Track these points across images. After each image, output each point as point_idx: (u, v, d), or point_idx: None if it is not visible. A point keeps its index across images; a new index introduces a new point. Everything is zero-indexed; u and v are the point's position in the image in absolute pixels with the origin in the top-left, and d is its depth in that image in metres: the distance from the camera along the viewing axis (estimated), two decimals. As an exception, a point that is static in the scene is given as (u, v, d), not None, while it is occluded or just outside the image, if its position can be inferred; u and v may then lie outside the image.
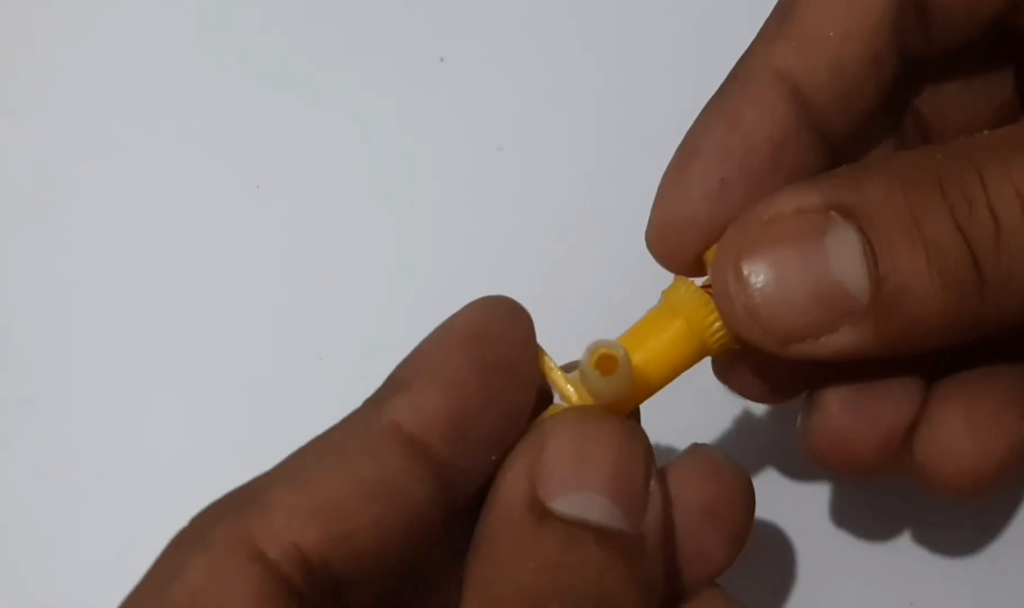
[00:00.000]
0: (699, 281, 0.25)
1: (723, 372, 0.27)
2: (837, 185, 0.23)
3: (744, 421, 0.32)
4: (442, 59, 0.36)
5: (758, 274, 0.23)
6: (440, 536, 0.22)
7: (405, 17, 0.36)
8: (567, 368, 0.24)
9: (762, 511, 0.31)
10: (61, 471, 0.33)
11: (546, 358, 0.24)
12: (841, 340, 0.23)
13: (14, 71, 0.36)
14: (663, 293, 0.25)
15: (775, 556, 0.31)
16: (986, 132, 0.23)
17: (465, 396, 0.22)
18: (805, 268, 0.23)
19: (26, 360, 0.34)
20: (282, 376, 0.33)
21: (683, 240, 0.25)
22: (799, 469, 0.32)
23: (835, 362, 0.23)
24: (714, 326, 0.24)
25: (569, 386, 0.23)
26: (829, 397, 0.25)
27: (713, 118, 0.25)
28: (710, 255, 0.24)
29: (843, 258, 0.22)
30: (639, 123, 0.35)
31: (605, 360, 0.22)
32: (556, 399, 0.24)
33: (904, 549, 0.31)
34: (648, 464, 0.22)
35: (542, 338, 0.24)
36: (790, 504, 0.32)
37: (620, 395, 0.23)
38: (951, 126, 0.27)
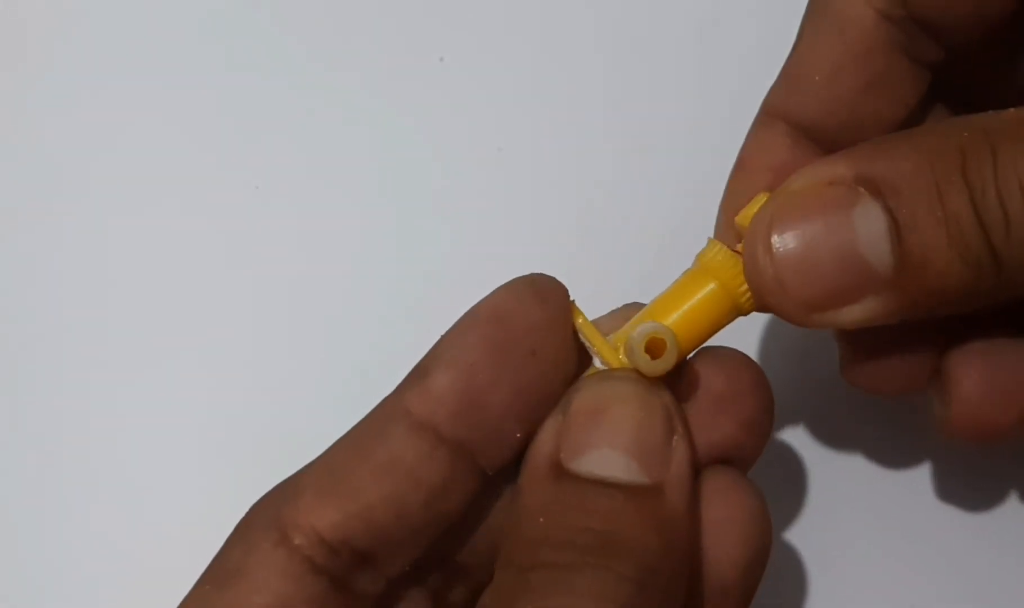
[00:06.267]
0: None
1: (850, 372, 0.28)
2: (868, 157, 0.24)
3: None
4: (442, 59, 0.36)
5: (787, 244, 0.24)
6: (478, 499, 0.24)
7: (405, 17, 0.36)
8: (602, 324, 0.26)
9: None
10: (60, 473, 0.33)
11: (583, 320, 0.25)
12: (863, 310, 0.24)
13: (12, 72, 0.36)
14: (697, 256, 0.26)
15: (775, 559, 0.31)
16: (1012, 110, 0.24)
17: (475, 378, 0.23)
18: (832, 240, 0.24)
19: (24, 362, 0.34)
20: (283, 377, 0.33)
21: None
22: (799, 471, 0.32)
23: (855, 330, 0.24)
24: (745, 286, 0.25)
25: (606, 352, 0.25)
26: (964, 384, 0.26)
27: (736, 162, 0.28)
28: (740, 219, 0.26)
29: (869, 233, 0.23)
30: (639, 123, 0.34)
31: (655, 343, 0.24)
32: (596, 363, 0.25)
33: (905, 552, 0.31)
34: (668, 419, 0.24)
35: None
36: (791, 507, 0.32)
37: (665, 372, 0.24)
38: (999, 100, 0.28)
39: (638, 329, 0.24)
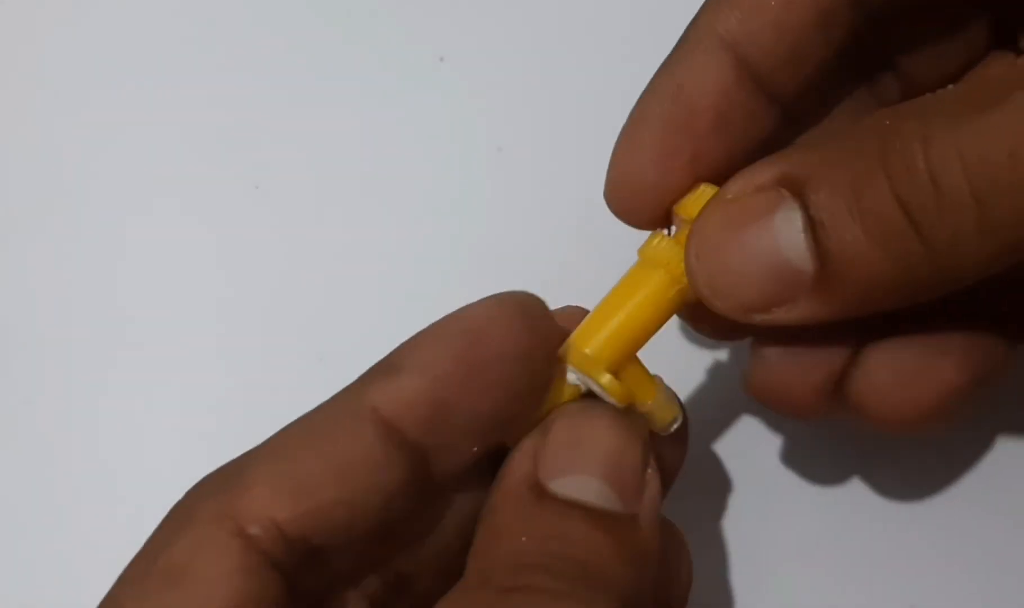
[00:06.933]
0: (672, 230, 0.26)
1: (687, 315, 0.28)
2: (791, 160, 0.24)
3: (741, 422, 0.32)
4: (442, 59, 0.36)
5: (716, 252, 0.24)
6: (426, 506, 0.24)
7: (405, 17, 0.36)
8: None
9: (761, 514, 0.32)
10: (57, 472, 0.33)
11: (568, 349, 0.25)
12: (797, 310, 0.24)
13: (11, 71, 0.36)
14: (639, 250, 0.26)
15: (774, 558, 0.31)
16: (944, 89, 0.24)
17: (447, 389, 0.23)
18: (756, 246, 0.24)
19: (22, 361, 0.34)
20: (282, 377, 0.33)
21: (636, 201, 0.26)
22: (797, 471, 0.32)
23: (797, 328, 0.24)
24: None
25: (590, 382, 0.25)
26: (768, 347, 0.26)
27: (659, 86, 0.26)
28: (679, 209, 0.26)
29: (789, 235, 0.23)
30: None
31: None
32: (571, 377, 0.25)
33: (905, 551, 0.31)
34: (644, 451, 0.24)
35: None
36: (789, 507, 0.32)
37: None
38: (931, 75, 0.27)
39: (678, 420, 0.25)
